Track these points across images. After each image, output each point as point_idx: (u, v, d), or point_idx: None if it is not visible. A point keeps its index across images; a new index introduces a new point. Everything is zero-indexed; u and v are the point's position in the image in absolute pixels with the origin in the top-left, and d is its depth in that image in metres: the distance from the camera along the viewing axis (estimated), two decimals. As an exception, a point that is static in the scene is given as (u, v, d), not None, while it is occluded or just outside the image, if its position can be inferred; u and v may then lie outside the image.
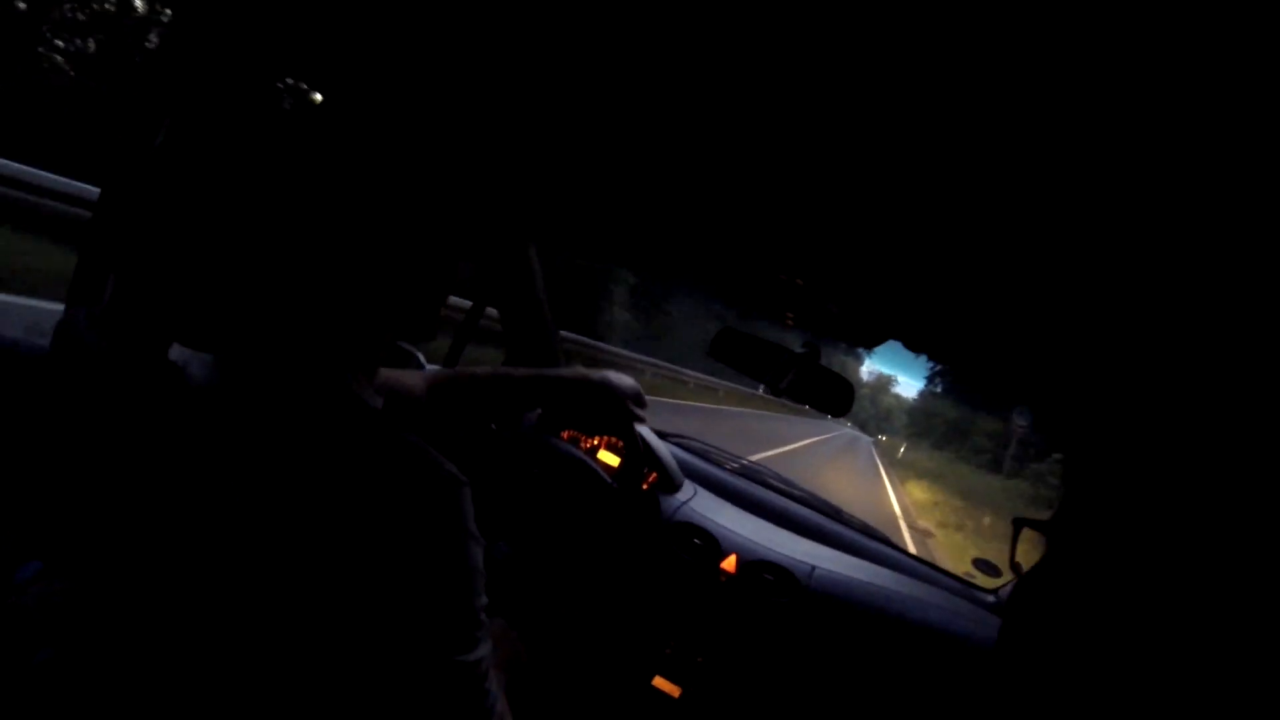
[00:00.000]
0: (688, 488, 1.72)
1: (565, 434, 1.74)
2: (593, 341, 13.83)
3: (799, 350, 1.51)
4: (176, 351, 0.74)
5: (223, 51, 0.98)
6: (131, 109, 1.03)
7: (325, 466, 0.66)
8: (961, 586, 1.80)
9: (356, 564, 0.64)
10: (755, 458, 2.17)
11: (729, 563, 1.56)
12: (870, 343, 1.38)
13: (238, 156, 0.70)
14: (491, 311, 1.92)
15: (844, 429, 53.15)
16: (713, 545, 1.59)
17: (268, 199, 0.69)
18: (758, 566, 1.55)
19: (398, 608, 0.65)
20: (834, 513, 2.01)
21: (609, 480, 1.55)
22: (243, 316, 0.71)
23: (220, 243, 0.69)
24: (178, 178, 0.84)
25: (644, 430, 1.67)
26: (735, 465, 2.10)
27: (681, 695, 1.51)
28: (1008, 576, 1.76)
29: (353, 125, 0.73)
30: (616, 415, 1.41)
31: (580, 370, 1.35)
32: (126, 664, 0.66)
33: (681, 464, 1.83)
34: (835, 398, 1.50)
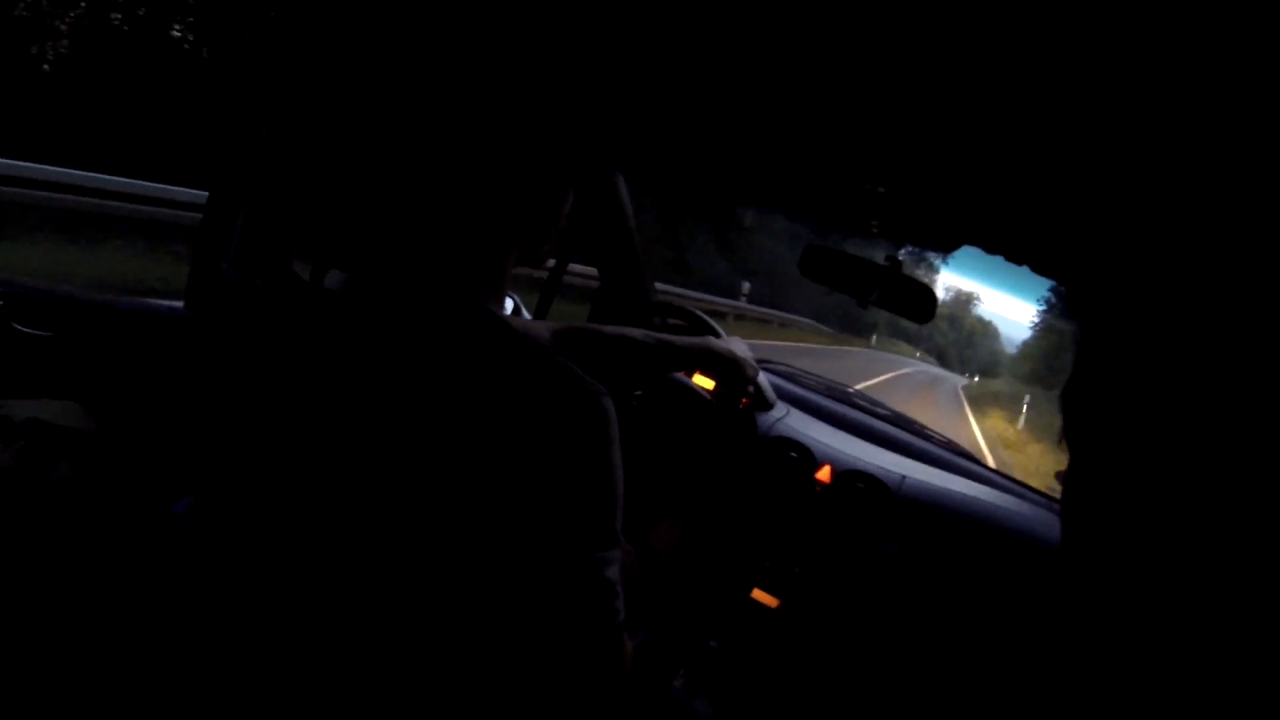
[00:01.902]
0: (780, 407, 1.80)
1: None
2: (678, 290, 13.86)
3: (883, 263, 1.58)
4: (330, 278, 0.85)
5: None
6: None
7: (479, 375, 0.74)
8: (1045, 500, 1.85)
9: (510, 462, 0.72)
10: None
11: (823, 473, 1.65)
12: (948, 246, 1.44)
13: (362, 97, 0.79)
14: (575, 268, 2.01)
15: (911, 362, 36.88)
16: (807, 457, 1.68)
17: (393, 134, 0.77)
18: (851, 476, 1.64)
19: (549, 504, 0.72)
20: (920, 430, 2.08)
21: (709, 398, 1.65)
22: (377, 236, 0.79)
23: (351, 170, 0.78)
24: (306, 119, 0.93)
25: None
26: (824, 387, 2.18)
27: (780, 606, 1.62)
28: None
29: (456, 68, 0.81)
30: (738, 383, 1.56)
31: (706, 341, 1.44)
32: (284, 571, 0.75)
33: (773, 386, 1.92)
34: (920, 305, 1.57)
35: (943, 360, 61.65)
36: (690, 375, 1.77)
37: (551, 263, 1.93)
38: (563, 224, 0.89)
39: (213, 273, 1.08)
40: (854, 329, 36.46)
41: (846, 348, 27.18)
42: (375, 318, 0.79)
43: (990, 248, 1.35)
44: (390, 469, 0.72)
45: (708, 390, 1.66)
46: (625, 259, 1.99)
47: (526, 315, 1.85)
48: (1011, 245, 1.31)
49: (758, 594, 1.65)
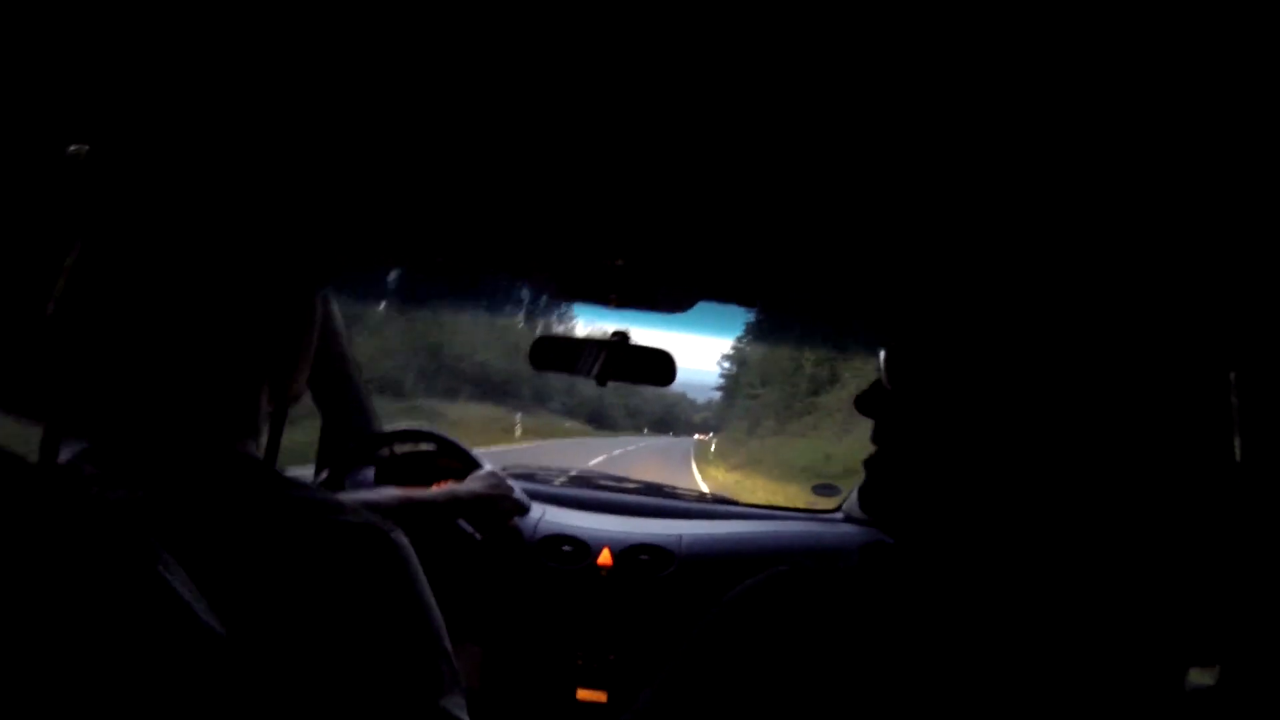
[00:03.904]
0: (536, 508, 1.78)
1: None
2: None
3: (611, 338, 1.63)
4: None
5: None
6: None
7: (263, 537, 0.65)
8: (808, 514, 2.06)
9: (320, 627, 0.64)
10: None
11: (604, 557, 1.65)
12: (685, 305, 1.53)
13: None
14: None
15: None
16: (581, 547, 1.67)
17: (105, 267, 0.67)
18: (632, 551, 1.67)
19: (374, 664, 0.65)
20: (672, 492, 2.20)
21: (470, 530, 1.59)
22: (121, 387, 0.69)
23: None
24: None
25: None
26: (565, 477, 2.21)
27: (610, 698, 1.60)
28: (845, 491, 2.06)
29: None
30: (497, 518, 1.55)
31: (452, 491, 1.45)
32: None
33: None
34: (657, 369, 1.65)
35: (601, 421, 43.62)
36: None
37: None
38: (310, 355, 0.83)
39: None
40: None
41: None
42: (136, 492, 0.66)
43: (724, 298, 1.47)
44: (202, 679, 0.57)
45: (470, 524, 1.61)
46: (345, 388, 1.90)
47: None
48: (744, 293, 1.44)
49: (583, 693, 1.61)
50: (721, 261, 1.29)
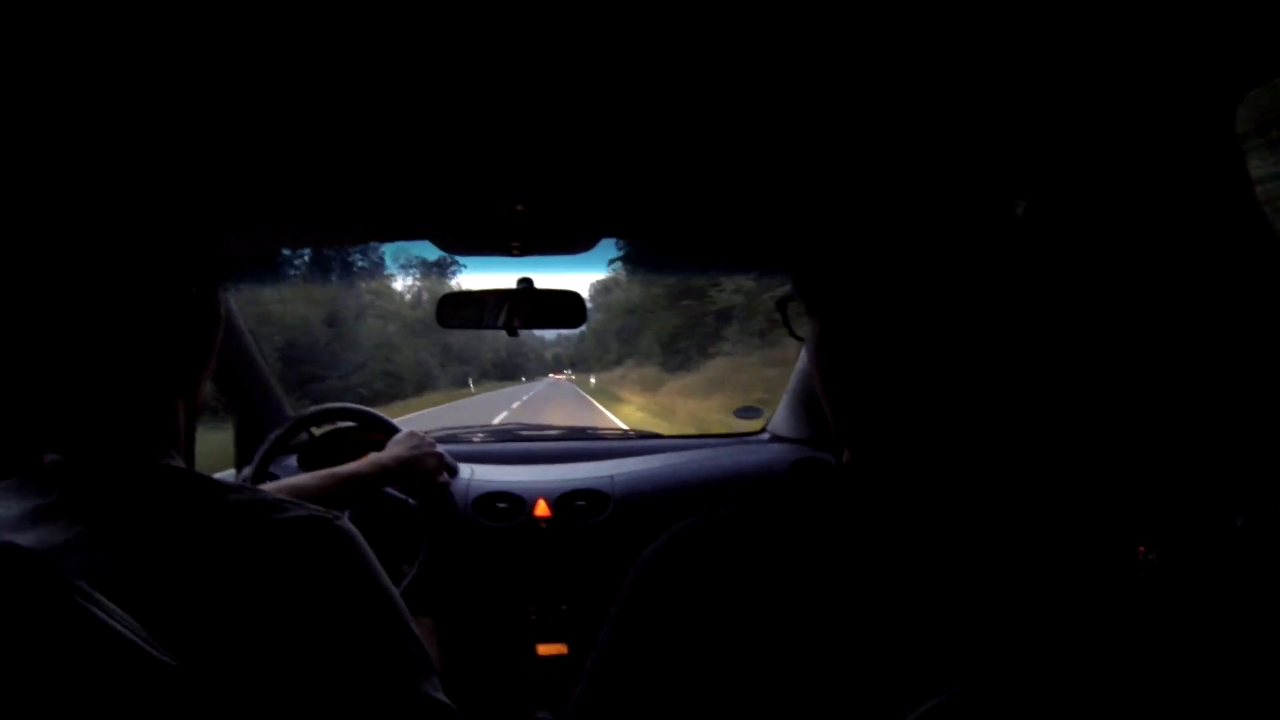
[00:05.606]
0: (464, 468, 1.77)
1: None
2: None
3: (517, 286, 1.62)
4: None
5: None
6: None
7: (206, 547, 0.62)
8: (733, 439, 2.10)
9: (278, 631, 0.62)
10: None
11: (541, 509, 1.66)
12: (588, 245, 1.53)
13: None
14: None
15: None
16: (517, 502, 1.68)
17: None
18: (568, 498, 1.68)
19: (345, 660, 0.64)
20: (594, 433, 2.21)
21: (401, 497, 1.57)
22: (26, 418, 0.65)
23: None
24: None
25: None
26: (486, 433, 2.19)
27: (571, 650, 1.62)
28: (769, 414, 2.11)
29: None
30: (427, 482, 1.51)
31: (374, 461, 1.38)
32: None
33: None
34: (567, 311, 1.65)
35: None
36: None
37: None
38: (215, 356, 0.79)
39: None
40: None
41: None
42: (60, 527, 0.62)
43: (627, 234, 1.48)
44: (148, 707, 0.53)
45: (400, 492, 1.59)
46: (254, 382, 1.86)
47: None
48: (647, 226, 1.45)
49: (543, 648, 1.63)
50: (624, 196, 1.29)
